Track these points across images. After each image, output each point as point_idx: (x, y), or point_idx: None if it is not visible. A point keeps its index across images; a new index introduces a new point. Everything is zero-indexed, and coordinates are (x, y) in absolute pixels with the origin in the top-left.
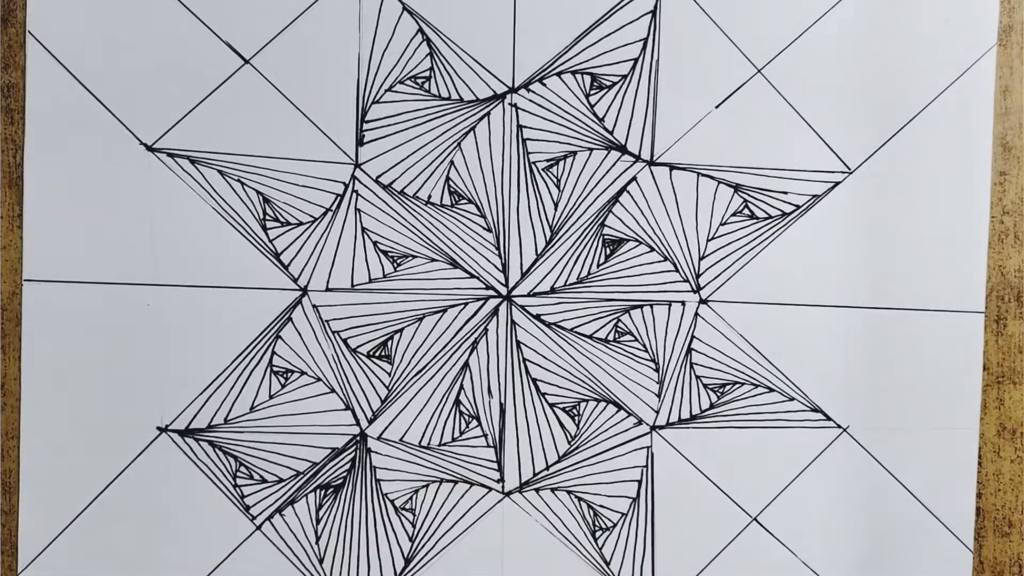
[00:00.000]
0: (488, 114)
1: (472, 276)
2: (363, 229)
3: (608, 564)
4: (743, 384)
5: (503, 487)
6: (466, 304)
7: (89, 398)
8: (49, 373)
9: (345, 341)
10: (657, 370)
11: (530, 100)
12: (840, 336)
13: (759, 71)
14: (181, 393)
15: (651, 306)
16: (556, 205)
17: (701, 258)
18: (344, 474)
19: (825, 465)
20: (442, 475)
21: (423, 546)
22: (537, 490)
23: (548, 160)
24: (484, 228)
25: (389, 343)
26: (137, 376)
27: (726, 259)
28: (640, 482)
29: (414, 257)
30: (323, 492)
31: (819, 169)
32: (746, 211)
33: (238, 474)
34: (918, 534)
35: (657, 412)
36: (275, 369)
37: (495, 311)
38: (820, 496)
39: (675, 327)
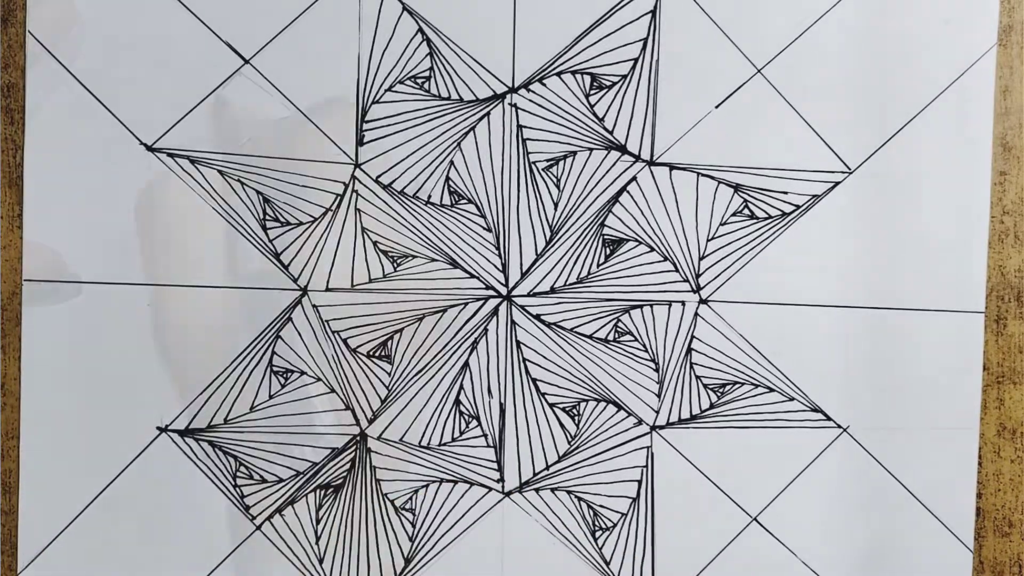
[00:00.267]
0: (488, 114)
1: (472, 276)
2: (363, 229)
3: (608, 564)
4: (743, 384)
5: (503, 487)
6: (466, 304)
7: (89, 398)
8: (49, 373)
9: (345, 341)
10: (657, 370)
11: (530, 100)
12: (840, 336)
13: (759, 71)
14: (181, 393)
15: (651, 306)
16: (556, 205)
17: (701, 258)
18: (344, 474)
19: (825, 465)
20: (442, 475)
21: (423, 546)
22: (537, 490)
23: (548, 160)
24: (484, 228)
25: (389, 343)
26: (137, 376)
27: (726, 259)
28: (640, 482)
29: (414, 257)
30: (323, 492)
31: (819, 169)
32: (746, 211)
33: (238, 474)
34: (918, 534)
35: (657, 412)
36: (275, 369)
37: (495, 311)
38: (820, 496)
39: (675, 327)
